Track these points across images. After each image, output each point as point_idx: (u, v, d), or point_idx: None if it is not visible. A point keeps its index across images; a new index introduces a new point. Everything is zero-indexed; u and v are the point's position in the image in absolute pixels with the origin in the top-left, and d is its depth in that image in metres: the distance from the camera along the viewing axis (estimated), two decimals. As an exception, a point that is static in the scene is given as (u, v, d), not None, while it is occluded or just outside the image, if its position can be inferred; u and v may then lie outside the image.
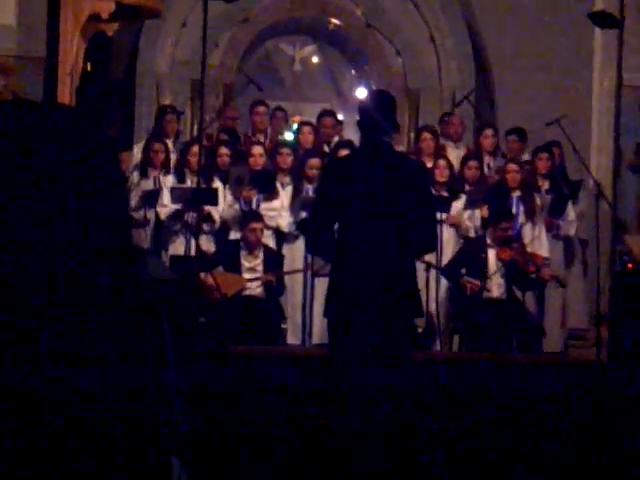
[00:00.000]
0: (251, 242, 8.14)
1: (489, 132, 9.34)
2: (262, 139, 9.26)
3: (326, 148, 9.20)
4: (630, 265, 8.13)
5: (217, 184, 8.48)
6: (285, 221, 8.51)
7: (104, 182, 1.31)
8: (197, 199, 7.85)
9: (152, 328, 1.40)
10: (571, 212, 8.81)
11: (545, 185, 8.88)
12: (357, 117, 4.98)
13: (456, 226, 8.64)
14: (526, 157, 9.19)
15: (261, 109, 9.33)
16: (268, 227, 8.47)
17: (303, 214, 8.23)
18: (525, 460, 5.66)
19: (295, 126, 10.54)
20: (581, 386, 6.60)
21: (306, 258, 8.20)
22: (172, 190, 8.36)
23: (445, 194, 8.63)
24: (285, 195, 8.57)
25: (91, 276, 1.30)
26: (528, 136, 9.31)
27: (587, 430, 6.04)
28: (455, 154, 9.25)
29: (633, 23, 9.37)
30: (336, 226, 4.75)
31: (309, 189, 8.37)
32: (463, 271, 8.22)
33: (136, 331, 1.36)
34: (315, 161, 8.47)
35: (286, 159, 8.71)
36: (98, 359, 1.29)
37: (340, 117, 10.15)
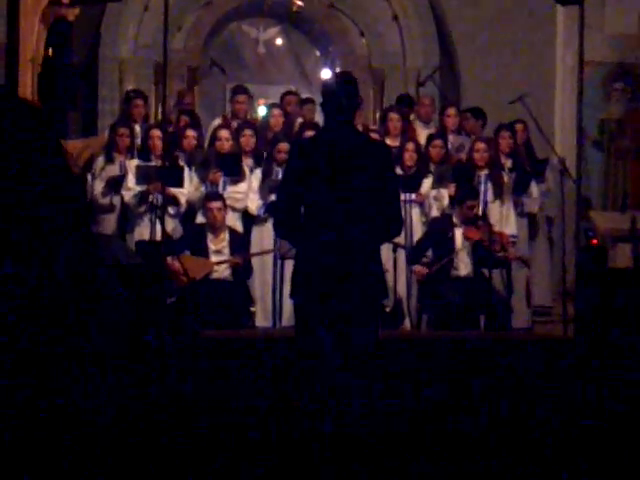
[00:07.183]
0: (211, 222, 8.13)
1: (452, 111, 9.37)
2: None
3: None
4: (595, 241, 8.20)
5: (182, 165, 8.46)
6: (254, 204, 8.51)
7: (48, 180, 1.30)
8: (163, 177, 7.82)
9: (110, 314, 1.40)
10: (534, 189, 8.85)
11: (508, 163, 8.91)
12: (320, 100, 4.97)
13: (421, 203, 8.65)
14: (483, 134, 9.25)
15: (241, 98, 9.35)
16: (235, 209, 8.47)
17: (272, 197, 8.23)
18: (493, 436, 5.71)
19: (261, 108, 10.50)
20: (549, 362, 6.65)
21: (276, 241, 8.19)
22: (138, 168, 8.32)
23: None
24: (254, 178, 8.56)
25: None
26: (493, 115, 9.35)
27: (556, 406, 6.10)
28: (425, 134, 9.27)
29: None
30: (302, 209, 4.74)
31: (279, 172, 8.36)
32: (429, 253, 8.25)
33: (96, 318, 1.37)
34: (284, 145, 8.46)
35: (249, 140, 8.70)
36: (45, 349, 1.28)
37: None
